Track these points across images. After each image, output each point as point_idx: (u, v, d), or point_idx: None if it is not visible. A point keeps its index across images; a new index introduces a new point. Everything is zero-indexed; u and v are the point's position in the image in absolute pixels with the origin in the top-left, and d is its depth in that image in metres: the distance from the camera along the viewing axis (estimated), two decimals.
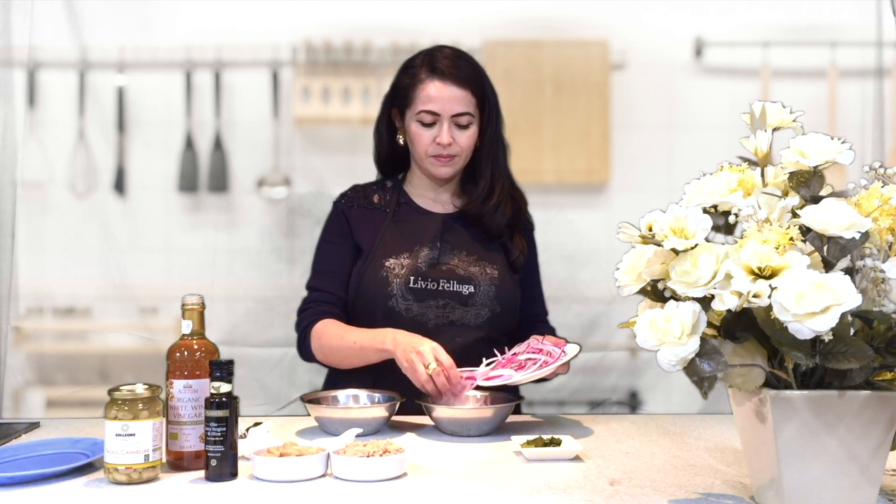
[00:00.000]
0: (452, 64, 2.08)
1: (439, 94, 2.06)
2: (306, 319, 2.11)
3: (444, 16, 3.43)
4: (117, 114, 3.52)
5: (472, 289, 2.08)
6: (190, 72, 3.54)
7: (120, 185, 3.52)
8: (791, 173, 1.36)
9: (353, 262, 2.14)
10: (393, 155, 2.20)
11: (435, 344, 1.91)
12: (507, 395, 1.95)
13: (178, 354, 1.61)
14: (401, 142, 2.16)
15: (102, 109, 3.53)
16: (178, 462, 1.59)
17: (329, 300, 2.12)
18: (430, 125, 2.07)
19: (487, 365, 1.95)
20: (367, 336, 2.01)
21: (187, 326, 1.63)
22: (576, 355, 1.87)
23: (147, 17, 3.45)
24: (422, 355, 1.88)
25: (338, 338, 2.05)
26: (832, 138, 1.36)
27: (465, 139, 2.09)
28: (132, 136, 3.55)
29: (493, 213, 2.13)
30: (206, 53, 3.52)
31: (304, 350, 2.12)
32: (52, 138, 3.51)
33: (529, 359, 1.91)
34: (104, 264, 3.40)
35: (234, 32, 3.49)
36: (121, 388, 1.51)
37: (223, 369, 1.53)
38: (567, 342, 1.96)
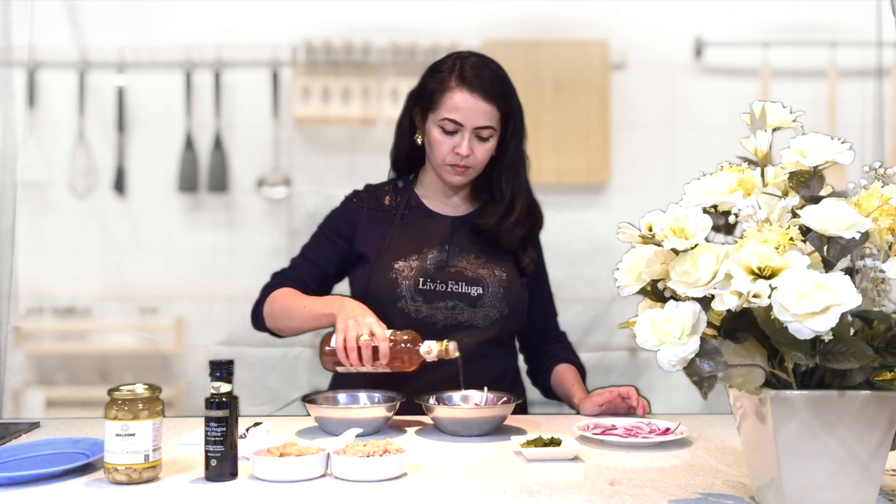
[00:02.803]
0: (481, 75, 2.06)
1: (465, 105, 2.04)
2: (266, 289, 2.14)
3: (444, 16, 3.43)
4: (117, 114, 3.52)
5: (480, 290, 2.08)
6: (190, 72, 3.54)
7: (120, 185, 3.52)
8: (791, 173, 1.36)
9: (340, 263, 2.16)
10: (408, 153, 2.20)
11: (377, 319, 1.90)
12: (508, 395, 1.95)
13: None
14: (419, 141, 2.15)
15: (102, 109, 3.53)
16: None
17: (292, 277, 2.14)
18: (451, 133, 2.06)
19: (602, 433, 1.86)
20: (317, 301, 2.04)
21: None
22: (682, 436, 1.83)
23: (147, 17, 3.45)
24: (358, 325, 1.87)
25: (290, 300, 2.07)
26: (832, 138, 1.36)
27: (483, 152, 2.09)
28: (132, 136, 3.55)
29: (510, 230, 2.13)
30: (206, 53, 3.53)
31: (256, 316, 2.15)
32: (52, 138, 3.51)
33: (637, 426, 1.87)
34: (104, 264, 3.40)
35: (234, 32, 3.49)
36: (121, 388, 1.51)
37: (223, 369, 1.53)
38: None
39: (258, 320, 2.15)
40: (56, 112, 3.54)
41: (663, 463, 1.63)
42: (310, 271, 2.15)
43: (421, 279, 2.07)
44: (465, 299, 2.08)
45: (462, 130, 2.06)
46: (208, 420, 1.51)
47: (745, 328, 1.31)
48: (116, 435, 1.48)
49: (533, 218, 2.19)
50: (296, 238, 3.34)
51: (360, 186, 2.25)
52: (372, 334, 1.86)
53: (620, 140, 3.56)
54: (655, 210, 1.36)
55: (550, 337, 2.25)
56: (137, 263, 3.44)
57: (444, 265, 2.09)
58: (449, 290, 2.07)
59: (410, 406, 1.92)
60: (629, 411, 2.00)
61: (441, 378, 1.98)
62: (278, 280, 2.15)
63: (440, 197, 2.19)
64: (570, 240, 3.20)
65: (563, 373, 2.17)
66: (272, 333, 2.16)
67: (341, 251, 2.15)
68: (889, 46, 3.35)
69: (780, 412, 1.28)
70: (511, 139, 2.11)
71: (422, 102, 2.12)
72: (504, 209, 2.13)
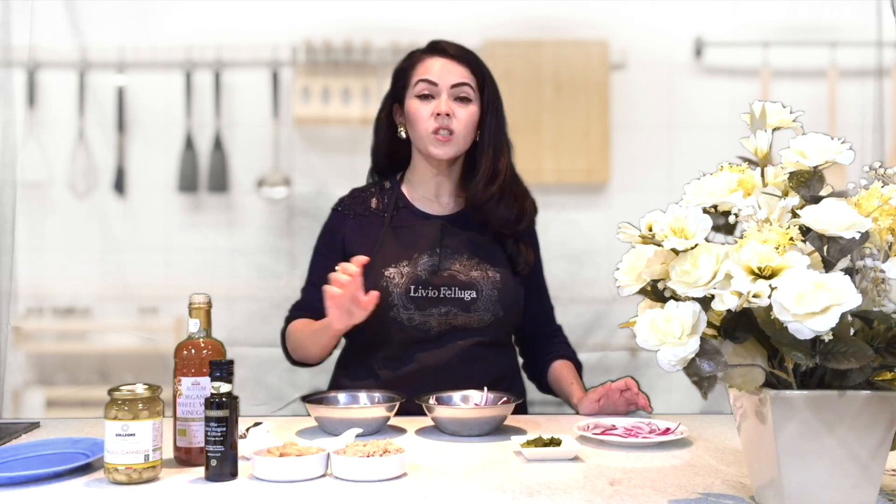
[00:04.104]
0: (450, 44, 2.12)
1: (438, 66, 2.09)
2: (284, 326, 2.18)
3: (444, 16, 3.44)
4: (117, 114, 3.52)
5: (474, 294, 2.07)
6: (190, 72, 3.54)
7: (120, 185, 3.52)
8: (791, 173, 1.36)
9: None
10: (391, 153, 2.19)
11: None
12: (507, 395, 1.95)
13: (185, 352, 1.63)
14: (402, 135, 2.14)
15: (102, 109, 3.53)
16: (186, 458, 1.60)
17: (307, 308, 2.14)
18: (428, 98, 2.08)
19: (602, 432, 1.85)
20: (318, 322, 2.04)
21: (194, 325, 1.64)
22: (682, 436, 1.83)
23: (147, 17, 3.46)
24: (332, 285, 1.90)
25: (299, 330, 2.11)
26: (832, 138, 1.36)
27: (466, 115, 2.08)
28: (132, 136, 3.55)
29: (496, 205, 2.10)
30: (206, 53, 3.53)
31: (286, 353, 2.19)
32: (52, 138, 3.51)
33: (637, 426, 1.87)
34: (104, 264, 3.40)
35: (234, 32, 3.49)
36: (121, 388, 1.51)
37: (223, 369, 1.53)
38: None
39: (289, 358, 2.19)
40: (56, 112, 3.54)
41: (663, 463, 1.63)
42: (318, 295, 2.09)
43: (412, 286, 2.05)
44: (459, 304, 2.06)
45: (438, 92, 2.07)
46: (208, 420, 1.51)
47: (745, 328, 1.31)
48: (116, 435, 1.48)
49: (520, 202, 2.15)
50: (296, 238, 3.35)
51: (359, 187, 2.24)
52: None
53: (620, 140, 3.56)
54: (655, 210, 1.36)
55: (547, 331, 2.24)
56: (137, 263, 3.44)
57: (437, 269, 2.07)
58: (441, 295, 2.05)
59: (410, 406, 1.92)
60: (629, 406, 1.99)
61: (442, 382, 1.98)
62: (292, 314, 2.19)
63: (429, 195, 2.17)
64: (570, 240, 3.21)
65: (561, 370, 2.16)
66: (304, 365, 2.18)
67: (339, 263, 2.13)
68: (889, 46, 3.35)
69: (780, 412, 1.28)
70: (488, 109, 2.11)
71: (397, 91, 2.14)
72: (486, 178, 2.10)
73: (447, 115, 2.05)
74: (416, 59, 2.12)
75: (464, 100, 2.08)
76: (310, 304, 2.13)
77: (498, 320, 2.08)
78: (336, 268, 1.91)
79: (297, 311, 2.17)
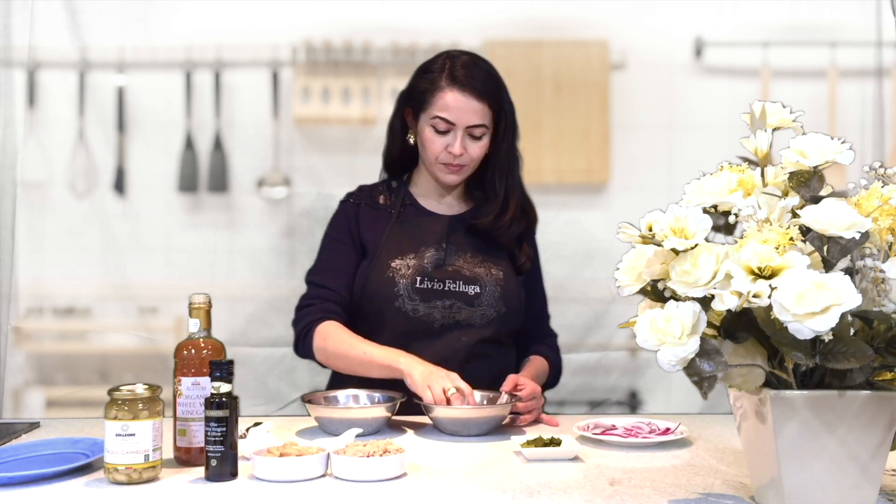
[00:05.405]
0: (472, 74, 2.07)
1: (456, 105, 2.05)
2: (308, 316, 2.09)
3: (444, 16, 3.44)
4: (117, 114, 3.52)
5: (477, 289, 2.09)
6: (190, 72, 3.54)
7: (120, 185, 3.52)
8: (791, 173, 1.36)
9: (358, 263, 2.14)
10: (401, 154, 2.20)
11: (453, 374, 1.90)
12: (508, 395, 1.95)
13: (185, 352, 1.63)
14: (411, 141, 2.16)
15: (102, 109, 3.53)
16: (186, 458, 1.60)
17: (331, 298, 2.10)
18: (443, 132, 2.07)
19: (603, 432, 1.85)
20: (377, 350, 1.99)
21: (194, 325, 1.64)
22: (682, 436, 1.83)
23: (147, 17, 3.45)
24: (443, 379, 1.87)
25: (346, 344, 2.02)
26: (832, 138, 1.36)
27: (477, 150, 2.09)
28: (132, 136, 3.55)
29: (506, 228, 2.14)
30: (206, 53, 3.53)
31: (303, 347, 2.10)
32: (52, 138, 3.51)
33: (637, 426, 1.87)
34: (104, 264, 3.40)
35: (234, 32, 3.49)
36: (121, 388, 1.51)
37: (223, 369, 1.53)
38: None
39: (305, 352, 2.10)
40: (56, 112, 3.53)
41: (663, 463, 1.63)
42: (341, 281, 2.11)
43: (418, 278, 2.07)
44: (463, 298, 2.08)
45: (454, 129, 2.06)
46: (208, 420, 1.51)
47: (745, 328, 1.31)
48: (116, 435, 1.48)
49: (527, 215, 2.20)
50: (296, 238, 3.35)
51: (365, 185, 2.25)
52: (458, 388, 1.86)
53: (620, 140, 3.56)
54: (655, 210, 1.36)
55: (539, 334, 2.25)
56: (137, 263, 3.44)
57: (442, 264, 2.10)
58: (446, 288, 2.07)
59: (410, 406, 1.92)
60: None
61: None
62: (316, 310, 2.09)
63: (434, 196, 2.20)
64: (570, 240, 3.21)
65: (527, 364, 2.15)
66: (321, 365, 2.13)
67: (356, 250, 2.15)
68: (889, 46, 3.34)
69: (780, 412, 1.28)
70: (503, 137, 2.12)
71: (413, 103, 2.13)
72: (499, 208, 2.13)
73: (460, 154, 2.07)
74: (436, 85, 2.07)
75: (478, 137, 2.08)
76: (331, 293, 2.10)
77: (500, 316, 2.09)
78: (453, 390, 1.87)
79: (318, 302, 2.10)
